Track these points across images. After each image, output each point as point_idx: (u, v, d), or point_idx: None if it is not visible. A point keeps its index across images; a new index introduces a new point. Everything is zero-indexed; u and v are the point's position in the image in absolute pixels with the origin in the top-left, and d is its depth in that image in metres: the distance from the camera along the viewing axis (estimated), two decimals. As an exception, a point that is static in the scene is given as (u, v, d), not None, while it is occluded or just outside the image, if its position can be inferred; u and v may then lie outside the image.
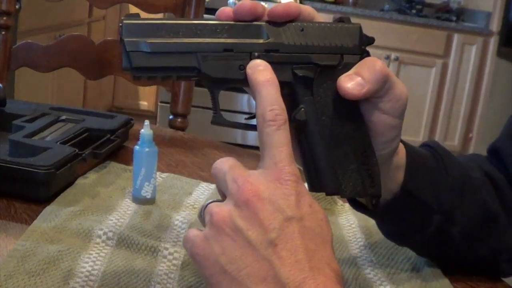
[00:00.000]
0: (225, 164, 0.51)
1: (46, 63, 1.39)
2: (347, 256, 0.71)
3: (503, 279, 0.72)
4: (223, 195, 0.52)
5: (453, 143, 4.41)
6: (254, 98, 0.52)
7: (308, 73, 0.55)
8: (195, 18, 0.55)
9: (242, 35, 0.54)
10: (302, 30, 0.55)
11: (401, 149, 0.62)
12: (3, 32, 1.35)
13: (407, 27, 4.24)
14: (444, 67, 4.31)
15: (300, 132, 0.55)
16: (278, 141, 0.50)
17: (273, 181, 0.49)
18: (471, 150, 4.40)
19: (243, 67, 0.53)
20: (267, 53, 0.54)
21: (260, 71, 0.52)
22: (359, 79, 0.54)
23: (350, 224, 0.80)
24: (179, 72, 0.54)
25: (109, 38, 1.41)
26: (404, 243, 0.70)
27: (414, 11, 4.43)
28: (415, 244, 0.69)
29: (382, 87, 0.55)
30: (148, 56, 0.52)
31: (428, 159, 0.66)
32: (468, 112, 4.39)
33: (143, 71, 0.53)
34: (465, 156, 0.78)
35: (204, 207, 0.52)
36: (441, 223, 0.65)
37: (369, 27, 4.60)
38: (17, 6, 1.38)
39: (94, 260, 0.62)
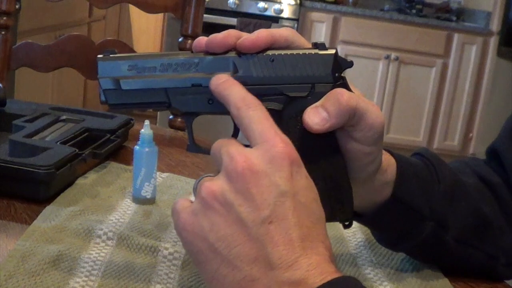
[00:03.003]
0: (222, 141, 0.51)
1: (46, 63, 1.39)
2: (347, 256, 0.71)
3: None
4: (217, 172, 0.50)
5: (453, 143, 4.42)
6: (233, 117, 0.52)
7: (277, 105, 0.55)
8: (169, 52, 0.57)
9: (211, 69, 0.55)
10: (272, 60, 0.55)
11: (390, 165, 0.62)
12: (3, 32, 1.35)
13: (407, 27, 4.25)
14: (444, 67, 4.31)
15: None
16: (259, 118, 0.49)
17: (266, 152, 0.47)
18: (471, 150, 4.41)
19: (211, 101, 0.55)
20: None
21: (222, 82, 0.53)
22: (323, 113, 0.53)
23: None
24: (152, 106, 0.57)
25: (109, 38, 1.41)
26: (397, 249, 0.70)
27: (414, 11, 4.43)
28: (408, 250, 0.69)
29: (349, 119, 0.54)
30: (122, 94, 0.56)
31: (418, 167, 0.65)
32: (468, 112, 4.39)
33: (119, 106, 0.57)
34: (460, 160, 0.78)
35: (198, 180, 0.50)
36: (434, 229, 0.64)
37: (369, 27, 4.59)
38: (17, 6, 1.38)
39: (94, 260, 0.62)
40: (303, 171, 0.49)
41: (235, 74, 0.54)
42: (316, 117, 0.53)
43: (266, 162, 0.47)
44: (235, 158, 0.47)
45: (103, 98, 0.56)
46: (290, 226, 0.46)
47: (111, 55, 0.56)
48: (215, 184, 0.48)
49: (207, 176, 0.50)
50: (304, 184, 0.48)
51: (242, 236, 0.46)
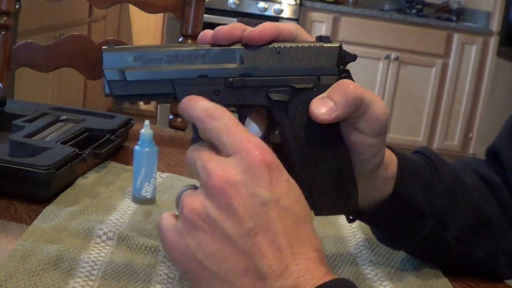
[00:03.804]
0: (194, 151, 0.50)
1: (46, 63, 1.39)
2: (347, 256, 0.71)
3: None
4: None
5: (453, 143, 4.42)
6: (200, 133, 0.51)
7: (283, 96, 0.55)
8: (174, 44, 0.56)
9: (217, 60, 0.55)
10: (278, 52, 0.55)
11: (391, 161, 0.62)
12: (3, 32, 1.35)
13: (407, 27, 4.25)
14: (444, 67, 4.31)
15: (276, 154, 0.55)
16: (226, 128, 0.49)
17: (242, 162, 0.47)
18: (471, 150, 4.41)
19: (218, 92, 0.54)
20: (242, 78, 0.54)
21: (185, 100, 0.52)
22: (330, 103, 0.54)
23: (350, 223, 0.80)
24: (157, 98, 0.56)
25: (109, 38, 1.41)
26: (398, 247, 0.70)
27: (414, 11, 4.44)
28: (408, 248, 0.69)
29: (355, 110, 0.54)
30: (127, 85, 0.55)
31: (419, 165, 0.65)
32: (468, 112, 4.39)
33: (123, 98, 0.55)
34: (460, 160, 0.78)
35: (179, 194, 0.50)
36: (434, 227, 0.64)
37: (369, 27, 4.59)
38: (17, 6, 1.38)
39: (94, 260, 0.62)
40: (283, 174, 0.48)
41: (241, 65, 0.55)
42: (323, 107, 0.54)
43: (244, 172, 0.47)
44: (212, 172, 0.47)
45: (107, 90, 0.55)
46: (276, 234, 0.46)
47: (116, 47, 0.55)
48: (196, 202, 0.48)
49: (187, 189, 0.50)
50: (286, 188, 0.48)
51: (229, 250, 0.46)
